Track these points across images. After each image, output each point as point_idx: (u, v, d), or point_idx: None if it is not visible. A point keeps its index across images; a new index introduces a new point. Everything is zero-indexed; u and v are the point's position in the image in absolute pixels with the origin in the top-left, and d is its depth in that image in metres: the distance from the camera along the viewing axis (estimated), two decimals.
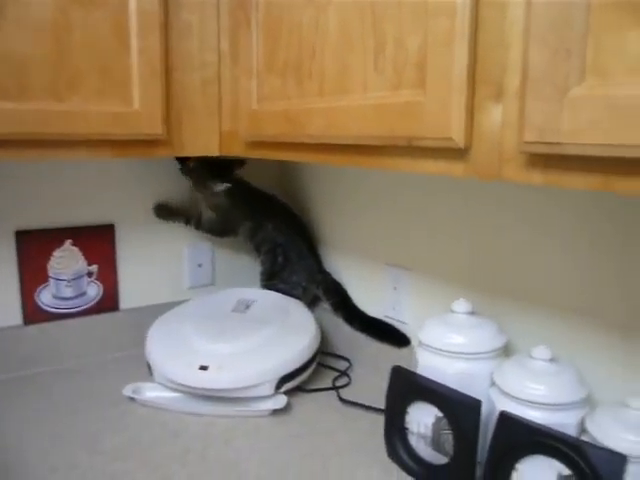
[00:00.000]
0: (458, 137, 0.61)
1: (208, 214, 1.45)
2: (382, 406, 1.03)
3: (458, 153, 0.63)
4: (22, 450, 0.99)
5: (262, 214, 1.45)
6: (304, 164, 1.54)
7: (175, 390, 1.15)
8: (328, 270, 1.46)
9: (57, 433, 1.04)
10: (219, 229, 1.48)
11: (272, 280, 1.45)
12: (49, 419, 1.09)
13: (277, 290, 1.43)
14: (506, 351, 0.95)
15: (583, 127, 0.48)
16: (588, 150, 0.49)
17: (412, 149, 0.69)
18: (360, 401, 1.15)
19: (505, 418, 0.79)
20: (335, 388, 1.22)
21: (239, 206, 1.44)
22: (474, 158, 0.62)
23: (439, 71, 0.62)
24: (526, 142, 0.53)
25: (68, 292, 1.35)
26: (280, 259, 1.44)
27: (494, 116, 0.59)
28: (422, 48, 0.65)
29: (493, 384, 0.88)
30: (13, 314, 1.31)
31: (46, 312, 1.33)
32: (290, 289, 1.43)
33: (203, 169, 1.35)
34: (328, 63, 0.80)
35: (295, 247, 1.45)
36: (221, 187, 1.36)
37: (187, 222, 1.47)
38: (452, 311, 0.97)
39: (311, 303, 1.47)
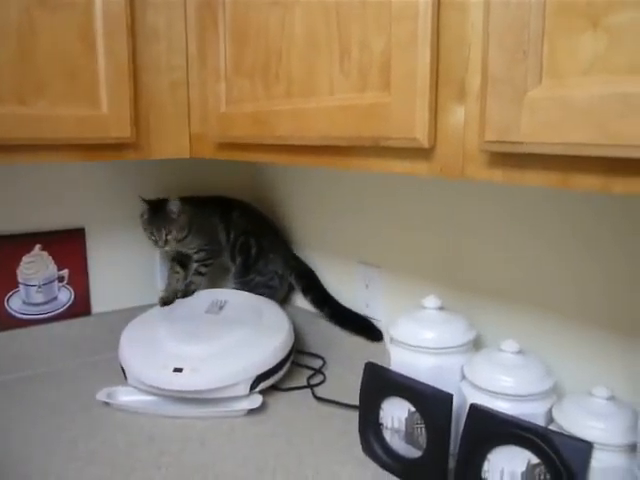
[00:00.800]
0: (422, 137, 0.62)
1: (191, 246, 1.41)
2: (357, 403, 1.04)
3: (423, 153, 0.64)
4: None
5: (222, 210, 1.46)
6: (275, 166, 1.54)
7: (150, 393, 1.14)
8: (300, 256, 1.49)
9: (30, 440, 1.03)
10: (208, 248, 1.43)
11: (247, 275, 1.45)
12: (21, 426, 1.08)
13: (255, 284, 1.44)
14: (476, 345, 0.97)
15: (541, 127, 0.50)
16: (546, 149, 0.50)
17: (378, 149, 0.70)
18: (335, 398, 1.17)
19: (475, 410, 0.81)
20: (310, 386, 1.23)
21: (200, 211, 1.41)
22: (438, 157, 0.63)
23: (403, 73, 0.64)
24: (487, 141, 0.55)
25: (39, 298, 1.34)
26: (254, 250, 1.44)
27: (457, 116, 0.60)
28: (386, 50, 0.66)
29: (464, 377, 0.90)
30: None
31: (16, 318, 1.32)
32: (267, 280, 1.45)
33: (152, 209, 1.34)
34: (295, 65, 0.81)
35: (265, 233, 1.47)
36: (176, 202, 1.33)
37: (189, 284, 1.44)
38: (422, 307, 0.98)
39: (288, 292, 1.50)
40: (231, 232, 1.45)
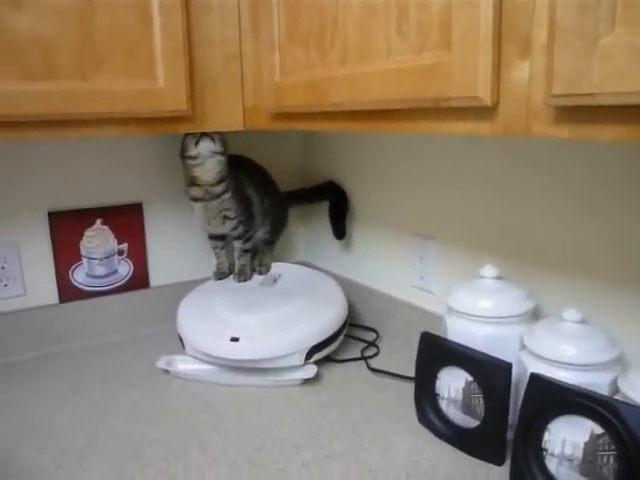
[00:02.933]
0: (485, 95, 0.61)
1: (230, 214, 1.36)
2: (411, 375, 1.04)
3: (485, 112, 0.63)
4: (61, 418, 1.02)
5: (245, 169, 1.43)
6: (327, 136, 1.54)
7: (207, 362, 1.17)
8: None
9: (94, 403, 1.08)
10: (244, 219, 1.38)
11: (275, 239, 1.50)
12: (86, 390, 1.13)
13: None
14: (534, 315, 0.95)
15: (613, 76, 0.48)
16: (619, 99, 0.48)
17: (438, 111, 0.69)
18: (388, 370, 1.17)
19: (536, 379, 0.79)
20: (364, 358, 1.23)
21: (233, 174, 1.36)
22: (501, 116, 0.62)
23: (464, 31, 0.62)
24: (554, 95, 0.53)
25: (100, 270, 1.39)
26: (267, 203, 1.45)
27: (521, 72, 0.58)
28: (446, 8, 0.64)
29: (523, 347, 0.88)
30: (49, 293, 1.34)
31: (80, 290, 1.37)
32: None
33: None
34: (350, 30, 0.80)
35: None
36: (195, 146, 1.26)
37: (241, 267, 1.43)
38: (480, 277, 0.97)
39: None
40: (254, 176, 1.43)
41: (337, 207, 1.49)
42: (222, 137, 1.28)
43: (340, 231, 1.49)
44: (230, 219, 1.36)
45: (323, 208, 1.53)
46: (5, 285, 1.29)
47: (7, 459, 0.91)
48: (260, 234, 1.45)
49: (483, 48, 0.60)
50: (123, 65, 1.00)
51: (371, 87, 0.76)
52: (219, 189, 1.31)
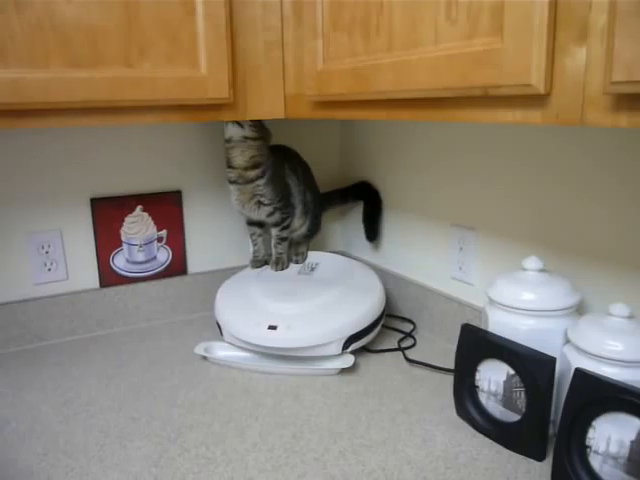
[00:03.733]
0: (538, 83, 0.59)
1: (266, 201, 1.36)
2: (448, 366, 1.03)
3: (537, 100, 0.61)
4: (104, 400, 1.05)
5: (288, 158, 1.44)
6: (364, 125, 1.53)
7: (245, 349, 1.18)
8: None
9: (135, 387, 1.10)
10: (281, 205, 1.37)
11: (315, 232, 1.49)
12: (126, 374, 1.15)
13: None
14: (579, 310, 0.93)
15: None
16: None
17: (487, 99, 0.67)
18: (426, 361, 1.16)
19: (581, 374, 0.77)
20: (401, 349, 1.23)
21: (273, 160, 1.37)
22: (554, 104, 0.60)
23: (518, 16, 0.60)
24: (614, 82, 0.51)
25: (140, 256, 1.41)
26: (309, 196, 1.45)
27: (577, 58, 0.57)
28: None
29: (567, 341, 0.87)
30: (91, 278, 1.37)
31: (120, 276, 1.39)
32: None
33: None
34: (397, 17, 0.79)
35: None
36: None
37: (278, 255, 1.42)
38: (523, 268, 0.95)
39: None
40: (298, 169, 1.43)
41: (371, 209, 1.50)
42: (256, 124, 1.28)
43: (372, 233, 1.50)
44: (264, 205, 1.36)
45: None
46: (49, 269, 1.32)
47: (55, 436, 0.94)
48: (299, 225, 1.45)
49: (537, 34, 0.59)
50: (166, 52, 1.00)
51: (418, 75, 0.75)
52: (252, 174, 1.32)
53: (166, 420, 0.98)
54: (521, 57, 0.60)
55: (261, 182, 1.33)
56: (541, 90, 0.59)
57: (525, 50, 0.60)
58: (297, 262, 1.43)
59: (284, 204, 1.38)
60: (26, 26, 0.89)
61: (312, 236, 1.49)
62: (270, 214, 1.38)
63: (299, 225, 1.45)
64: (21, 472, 0.85)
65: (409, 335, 1.30)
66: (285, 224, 1.40)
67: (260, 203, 1.35)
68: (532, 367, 0.85)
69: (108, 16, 0.94)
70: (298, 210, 1.43)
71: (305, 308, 1.18)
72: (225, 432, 0.94)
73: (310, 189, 1.45)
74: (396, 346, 1.25)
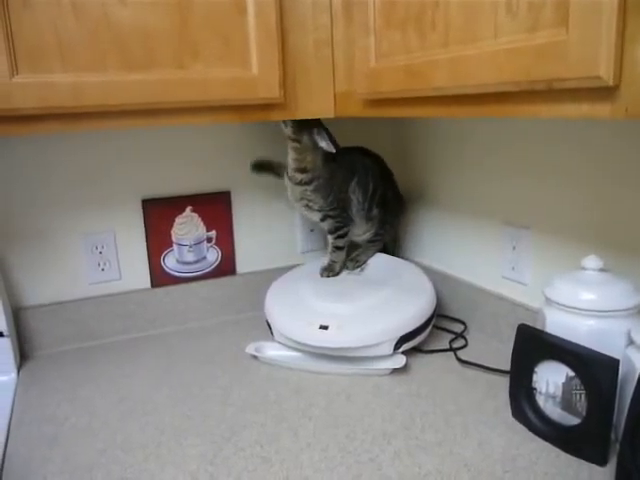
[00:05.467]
0: (607, 75, 0.57)
1: (315, 207, 1.35)
2: (502, 367, 1.01)
3: (605, 93, 0.59)
4: (158, 398, 1.06)
5: (354, 160, 1.39)
6: (415, 124, 1.51)
7: (295, 349, 1.18)
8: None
9: (187, 386, 1.11)
10: (335, 214, 1.35)
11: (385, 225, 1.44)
12: (178, 373, 1.16)
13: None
14: None
15: None
16: None
17: (550, 93, 0.65)
18: (479, 362, 1.14)
19: None
20: (453, 350, 1.21)
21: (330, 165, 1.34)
22: (624, 97, 0.58)
23: (585, 5, 0.58)
24: None
25: (190, 257, 1.42)
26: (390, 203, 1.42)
27: None
28: None
29: (631, 343, 0.84)
30: (142, 277, 1.40)
31: (171, 276, 1.41)
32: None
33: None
34: (453, 11, 0.78)
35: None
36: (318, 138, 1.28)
37: (330, 263, 1.40)
38: (582, 268, 0.92)
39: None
40: (369, 184, 1.37)
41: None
42: (294, 125, 1.27)
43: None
44: (313, 210, 1.36)
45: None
46: (102, 269, 1.35)
47: (113, 433, 0.96)
48: (361, 233, 1.41)
49: (606, 24, 0.57)
50: (218, 53, 1.01)
51: (476, 70, 0.73)
52: (298, 177, 1.33)
53: (220, 419, 0.99)
54: (588, 48, 0.59)
55: (308, 188, 1.33)
56: (610, 82, 0.57)
57: (593, 40, 0.58)
58: (347, 268, 1.40)
59: (338, 213, 1.36)
60: (84, 30, 0.91)
61: (379, 241, 1.45)
62: (322, 219, 1.37)
63: (362, 232, 1.41)
64: (81, 467, 0.87)
65: (460, 335, 1.28)
66: (339, 233, 1.38)
67: (309, 207, 1.36)
68: (594, 369, 0.82)
69: (162, 18, 0.96)
70: (357, 221, 1.39)
71: (356, 308, 1.17)
72: (279, 432, 0.94)
73: (381, 205, 1.39)
74: (447, 346, 1.23)
